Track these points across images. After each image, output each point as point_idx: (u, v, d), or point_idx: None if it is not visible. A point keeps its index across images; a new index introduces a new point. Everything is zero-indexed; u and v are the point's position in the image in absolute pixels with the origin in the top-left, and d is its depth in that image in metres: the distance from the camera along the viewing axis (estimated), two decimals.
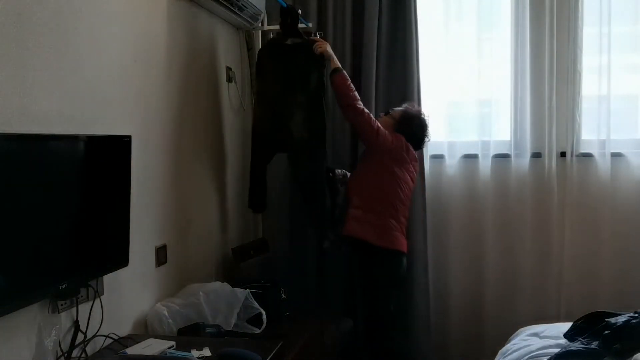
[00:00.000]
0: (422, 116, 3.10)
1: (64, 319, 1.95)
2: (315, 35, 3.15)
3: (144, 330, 2.39)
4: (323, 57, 3.00)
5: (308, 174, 3.10)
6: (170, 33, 2.66)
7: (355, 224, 2.93)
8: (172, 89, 2.68)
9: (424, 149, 3.40)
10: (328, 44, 3.06)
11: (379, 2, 3.40)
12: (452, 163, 3.54)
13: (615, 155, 3.37)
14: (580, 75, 3.38)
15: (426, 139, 3.12)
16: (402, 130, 3.00)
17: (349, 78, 2.97)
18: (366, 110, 2.94)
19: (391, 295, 3.00)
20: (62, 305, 1.92)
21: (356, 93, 2.96)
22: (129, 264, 2.18)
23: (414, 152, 3.04)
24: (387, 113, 3.10)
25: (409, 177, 3.01)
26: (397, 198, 2.95)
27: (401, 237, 2.98)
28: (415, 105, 3.22)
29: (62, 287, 1.83)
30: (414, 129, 3.04)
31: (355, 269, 3.10)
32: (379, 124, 2.94)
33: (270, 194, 3.54)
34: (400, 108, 3.12)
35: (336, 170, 3.21)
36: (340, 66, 2.99)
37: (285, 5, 3.11)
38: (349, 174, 3.22)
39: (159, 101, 2.58)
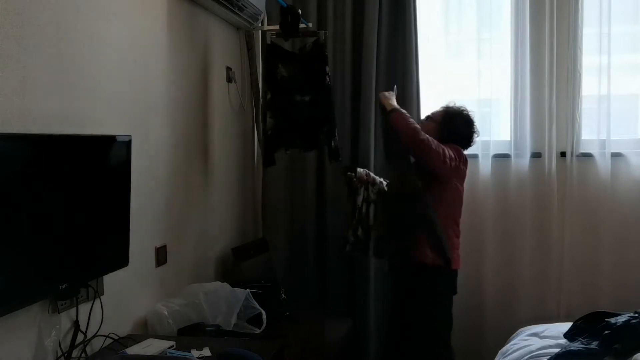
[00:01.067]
0: (466, 112, 3.01)
1: (64, 319, 1.95)
2: (325, 34, 3.07)
3: (144, 330, 2.39)
4: None
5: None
6: (170, 33, 2.66)
7: (455, 255, 2.96)
8: (171, 89, 2.68)
9: None
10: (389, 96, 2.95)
11: (379, 2, 3.40)
12: None
13: (615, 155, 3.37)
14: (580, 75, 3.38)
15: (475, 136, 3.04)
16: (447, 131, 2.92)
17: (407, 114, 2.89)
18: (431, 140, 2.81)
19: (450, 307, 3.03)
20: (62, 305, 1.91)
21: (417, 125, 2.85)
22: (129, 264, 2.17)
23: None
24: (427, 118, 3.02)
25: None
26: (460, 214, 3.01)
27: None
28: (456, 103, 3.07)
29: (62, 287, 1.83)
30: (459, 128, 2.98)
31: (413, 288, 3.00)
32: (443, 148, 2.82)
33: (270, 194, 3.56)
34: (439, 109, 3.05)
35: (358, 169, 3.07)
36: (397, 106, 2.89)
37: (285, 5, 3.11)
38: (372, 174, 3.10)
39: (159, 101, 2.58)
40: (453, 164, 2.84)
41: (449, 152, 2.83)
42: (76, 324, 1.98)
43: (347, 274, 3.45)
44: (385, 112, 2.94)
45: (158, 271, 2.56)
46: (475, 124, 3.02)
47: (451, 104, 3.05)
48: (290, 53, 3.16)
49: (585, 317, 2.56)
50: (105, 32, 2.18)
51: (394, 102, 2.90)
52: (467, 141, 3.02)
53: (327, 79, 2.99)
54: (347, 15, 3.46)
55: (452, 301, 3.04)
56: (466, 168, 2.98)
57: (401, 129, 2.82)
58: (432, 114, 3.05)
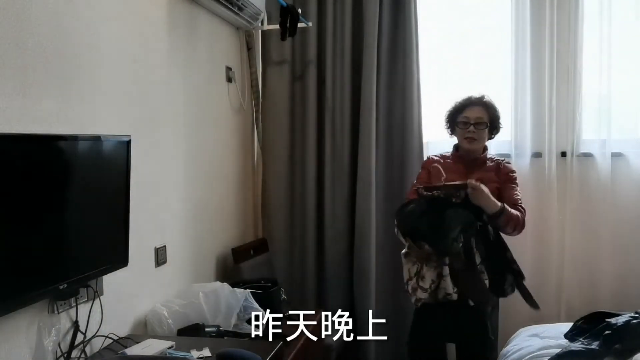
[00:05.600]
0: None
1: (64, 320, 1.95)
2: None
3: (143, 330, 2.39)
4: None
5: None
6: (170, 33, 2.66)
7: None
8: (172, 89, 2.68)
9: (425, 149, 3.41)
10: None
11: (379, 1, 3.39)
12: None
13: (616, 155, 3.36)
14: (580, 75, 3.38)
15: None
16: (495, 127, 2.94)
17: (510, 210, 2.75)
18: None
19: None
20: (61, 305, 1.92)
21: (518, 214, 2.79)
22: (129, 264, 2.17)
23: None
24: (481, 124, 2.85)
25: None
26: None
27: None
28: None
29: (62, 287, 1.83)
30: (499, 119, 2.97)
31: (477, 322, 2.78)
32: (523, 207, 2.86)
33: (270, 194, 3.56)
34: (476, 107, 2.89)
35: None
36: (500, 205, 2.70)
37: (285, 4, 3.11)
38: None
39: (159, 101, 2.58)
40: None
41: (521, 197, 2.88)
42: (76, 324, 1.98)
43: (348, 273, 3.44)
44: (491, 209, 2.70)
45: (158, 271, 2.56)
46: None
47: (476, 95, 2.92)
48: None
49: (586, 317, 2.56)
50: (105, 32, 2.18)
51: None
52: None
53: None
54: (347, 15, 3.45)
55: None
56: None
57: (515, 223, 2.78)
58: (476, 118, 2.85)
